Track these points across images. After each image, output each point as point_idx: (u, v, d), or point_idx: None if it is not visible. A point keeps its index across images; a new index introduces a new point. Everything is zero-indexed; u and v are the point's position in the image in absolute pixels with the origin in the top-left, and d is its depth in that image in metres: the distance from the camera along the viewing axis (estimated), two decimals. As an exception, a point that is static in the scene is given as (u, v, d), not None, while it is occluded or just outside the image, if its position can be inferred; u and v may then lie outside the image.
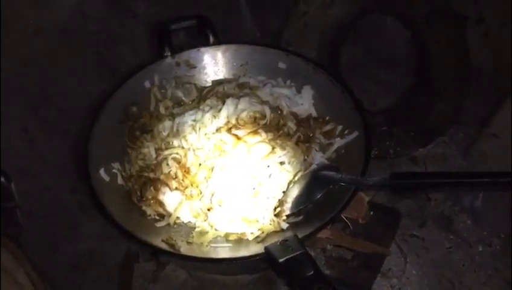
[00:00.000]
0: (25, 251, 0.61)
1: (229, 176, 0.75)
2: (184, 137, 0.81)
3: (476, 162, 1.12)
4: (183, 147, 0.80)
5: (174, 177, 0.77)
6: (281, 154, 0.77)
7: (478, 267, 0.97)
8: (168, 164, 0.79)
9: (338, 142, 0.82)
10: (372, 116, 1.13)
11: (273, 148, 0.77)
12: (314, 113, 0.87)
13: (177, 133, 0.82)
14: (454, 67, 1.10)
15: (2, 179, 0.63)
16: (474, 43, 1.10)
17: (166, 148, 0.81)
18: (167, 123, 0.84)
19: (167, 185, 0.77)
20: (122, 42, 0.93)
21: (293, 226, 0.73)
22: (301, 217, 0.75)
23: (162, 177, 0.78)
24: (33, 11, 0.80)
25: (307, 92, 0.89)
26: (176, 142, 0.81)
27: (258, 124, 0.81)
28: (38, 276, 0.55)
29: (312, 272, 0.56)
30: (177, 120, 0.83)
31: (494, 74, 1.11)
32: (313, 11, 1.09)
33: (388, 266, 0.93)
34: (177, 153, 0.79)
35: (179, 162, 0.78)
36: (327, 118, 0.86)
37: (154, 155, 0.81)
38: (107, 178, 0.78)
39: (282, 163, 0.77)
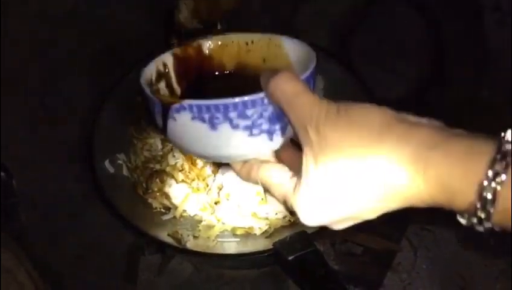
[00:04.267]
0: (26, 248, 0.59)
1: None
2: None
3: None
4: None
5: (181, 169, 0.76)
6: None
7: (490, 261, 0.95)
8: (174, 156, 0.77)
9: (349, 134, 0.80)
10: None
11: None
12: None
13: (184, 123, 0.80)
14: (469, 56, 1.08)
15: (2, 174, 0.61)
16: (491, 32, 1.08)
17: (172, 139, 0.79)
18: (174, 113, 0.82)
19: (173, 177, 0.75)
20: (129, 29, 0.91)
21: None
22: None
23: (168, 169, 0.76)
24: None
25: (317, 82, 0.86)
26: (182, 133, 0.79)
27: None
28: (40, 275, 0.54)
29: (323, 272, 0.54)
30: (184, 110, 0.81)
31: (511, 63, 1.08)
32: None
33: (398, 260, 0.92)
34: (183, 144, 0.77)
35: (185, 153, 0.77)
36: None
37: (160, 146, 0.79)
38: (112, 169, 0.76)
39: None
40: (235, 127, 0.43)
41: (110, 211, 0.69)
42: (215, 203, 0.73)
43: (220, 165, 0.75)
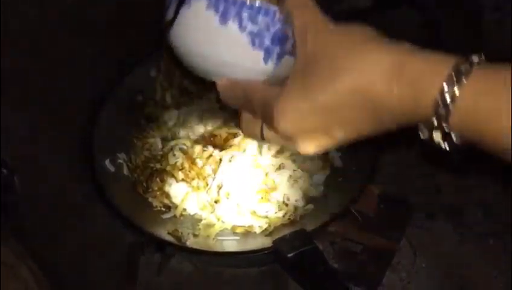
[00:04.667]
0: (27, 244, 0.60)
1: (237, 169, 0.73)
2: (191, 127, 0.80)
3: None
4: (189, 138, 0.79)
5: (181, 168, 0.76)
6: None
7: (489, 260, 0.95)
8: (174, 155, 0.78)
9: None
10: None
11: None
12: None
13: (183, 123, 0.81)
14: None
15: (4, 170, 0.62)
16: (490, 32, 1.08)
17: (173, 139, 0.79)
18: (173, 113, 0.82)
19: (173, 176, 0.76)
20: (128, 29, 0.91)
21: (301, 219, 0.72)
22: (310, 209, 0.74)
23: (168, 168, 0.77)
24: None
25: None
26: (182, 133, 0.80)
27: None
28: (41, 270, 0.54)
29: (322, 269, 0.55)
30: (183, 110, 0.82)
31: (510, 63, 1.09)
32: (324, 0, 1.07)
33: (397, 259, 0.92)
34: (183, 144, 0.78)
35: (185, 153, 0.77)
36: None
37: (160, 145, 0.80)
38: (112, 169, 0.77)
39: (294, 160, 0.75)
40: (242, 28, 0.45)
41: (111, 210, 0.70)
42: (215, 202, 0.73)
43: (220, 164, 0.75)
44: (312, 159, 0.77)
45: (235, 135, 0.77)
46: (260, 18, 0.46)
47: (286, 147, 0.59)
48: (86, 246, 0.80)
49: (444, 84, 0.36)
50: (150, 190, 0.75)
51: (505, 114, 0.34)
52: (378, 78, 0.38)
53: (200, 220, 0.74)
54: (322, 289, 0.55)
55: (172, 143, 0.78)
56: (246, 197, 0.73)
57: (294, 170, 0.75)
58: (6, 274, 0.52)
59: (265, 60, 0.46)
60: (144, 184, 0.76)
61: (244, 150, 0.75)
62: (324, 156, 0.78)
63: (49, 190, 0.79)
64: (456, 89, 0.35)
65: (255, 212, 0.72)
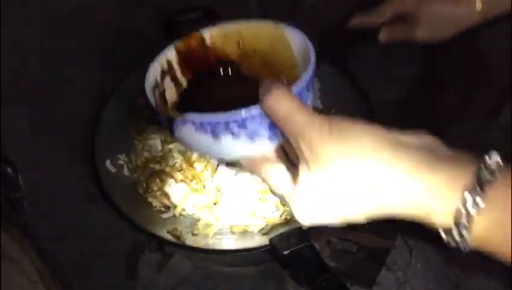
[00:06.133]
0: (32, 239, 0.61)
1: (235, 170, 0.75)
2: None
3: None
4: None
5: (180, 169, 0.78)
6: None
7: (484, 260, 0.96)
8: (173, 156, 0.79)
9: (344, 135, 0.81)
10: (379, 108, 1.12)
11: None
12: (319, 106, 0.87)
13: (183, 125, 0.82)
14: (463, 59, 1.09)
15: (9, 169, 0.64)
16: (484, 34, 1.09)
17: (172, 141, 0.81)
18: (173, 115, 0.83)
19: (173, 176, 0.77)
20: (129, 33, 0.93)
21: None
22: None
23: (167, 169, 0.78)
24: (39, 0, 0.80)
25: (314, 83, 0.88)
26: (181, 135, 0.81)
27: (264, 117, 0.81)
28: (44, 265, 0.56)
29: (318, 265, 0.56)
30: (183, 112, 0.83)
31: (503, 66, 1.10)
32: (322, 2, 1.08)
33: (393, 259, 0.93)
34: (182, 146, 0.79)
35: (184, 154, 0.79)
36: (333, 110, 0.86)
37: (159, 147, 0.81)
38: (113, 169, 0.78)
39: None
40: (236, 136, 0.45)
41: (112, 209, 0.71)
42: (214, 203, 0.75)
43: (218, 166, 0.77)
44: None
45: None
46: (250, 124, 0.44)
47: None
48: (87, 245, 0.81)
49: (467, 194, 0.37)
50: (150, 190, 0.77)
51: None
52: (387, 193, 0.40)
53: (199, 219, 0.75)
54: (318, 285, 0.57)
55: (172, 145, 0.80)
56: (243, 198, 0.74)
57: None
58: (10, 269, 0.54)
59: (271, 141, 0.47)
60: (144, 184, 0.77)
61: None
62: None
63: (52, 190, 0.81)
64: (479, 199, 0.36)
65: (252, 212, 0.73)
